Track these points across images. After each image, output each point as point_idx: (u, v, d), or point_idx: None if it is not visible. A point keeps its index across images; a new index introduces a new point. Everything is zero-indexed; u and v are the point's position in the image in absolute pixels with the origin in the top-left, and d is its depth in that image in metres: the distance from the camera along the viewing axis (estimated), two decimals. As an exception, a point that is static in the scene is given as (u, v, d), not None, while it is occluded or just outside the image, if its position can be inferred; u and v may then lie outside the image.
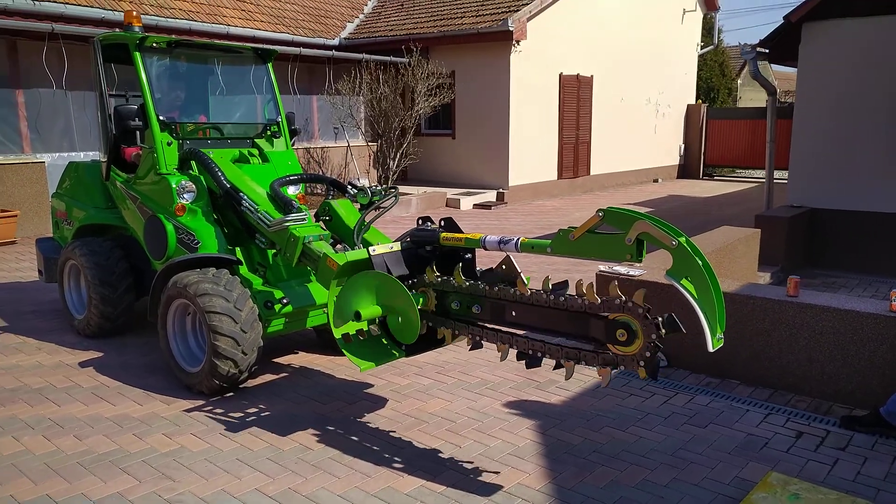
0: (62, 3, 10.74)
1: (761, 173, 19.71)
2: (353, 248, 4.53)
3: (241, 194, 4.73)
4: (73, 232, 5.88)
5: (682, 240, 2.87)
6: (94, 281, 5.30)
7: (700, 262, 2.83)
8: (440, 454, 3.74)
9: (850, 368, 4.30)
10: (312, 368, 5.02)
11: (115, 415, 4.22)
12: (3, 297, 6.87)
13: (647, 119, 18.79)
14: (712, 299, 2.81)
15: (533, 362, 3.46)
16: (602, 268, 5.24)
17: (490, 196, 14.22)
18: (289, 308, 4.66)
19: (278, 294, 4.68)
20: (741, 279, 6.27)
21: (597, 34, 16.18)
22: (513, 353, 3.52)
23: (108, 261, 5.37)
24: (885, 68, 7.87)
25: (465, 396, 4.52)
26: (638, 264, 4.56)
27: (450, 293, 3.67)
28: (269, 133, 5.63)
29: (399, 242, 3.86)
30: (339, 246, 4.80)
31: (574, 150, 16.16)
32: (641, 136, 18.59)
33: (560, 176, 15.93)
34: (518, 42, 13.93)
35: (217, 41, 5.93)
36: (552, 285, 3.28)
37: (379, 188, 4.70)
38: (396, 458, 3.68)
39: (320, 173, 13.14)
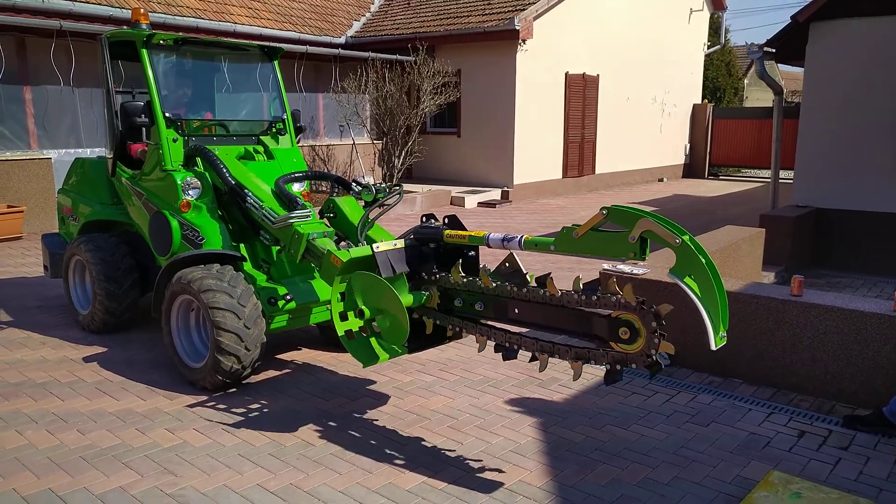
0: (70, 0, 10.77)
1: (767, 173, 19.67)
2: (356, 246, 4.54)
3: (246, 191, 4.75)
4: (78, 228, 5.91)
5: (686, 238, 2.87)
6: (99, 277, 5.32)
7: (703, 260, 2.83)
8: (442, 451, 3.74)
9: (854, 368, 4.29)
10: (315, 365, 5.03)
11: (118, 410, 4.24)
12: (8, 293, 6.91)
13: (653, 118, 18.75)
14: (715, 298, 2.81)
15: (509, 354, 3.53)
16: (605, 266, 5.24)
17: (495, 194, 14.22)
18: (292, 304, 4.67)
19: (282, 290, 4.69)
20: (745, 278, 6.26)
21: (603, 33, 16.16)
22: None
23: (113, 257, 5.39)
24: (893, 68, 7.84)
25: (467, 394, 4.52)
26: (641, 262, 4.56)
27: (453, 290, 3.67)
28: (274, 130, 5.65)
29: (403, 240, 3.87)
30: (343, 243, 4.81)
31: (579, 149, 16.14)
32: (647, 135, 18.55)
33: (565, 175, 15.91)
34: (524, 41, 13.92)
35: (224, 39, 5.94)
36: (583, 285, 3.19)
37: (383, 186, 4.71)
38: (398, 455, 3.69)
39: (325, 171, 13.16)
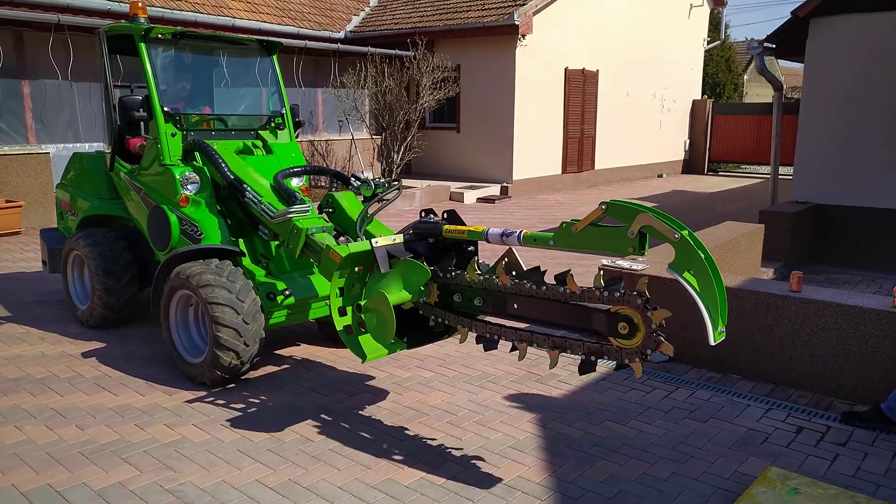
0: (68, -7, 10.75)
1: (766, 169, 19.68)
2: (355, 241, 4.53)
3: (245, 186, 4.74)
4: (77, 222, 5.90)
5: (685, 233, 2.87)
6: (97, 271, 5.31)
7: (702, 255, 2.83)
8: (441, 446, 3.74)
9: (852, 364, 4.29)
10: (314, 360, 5.03)
11: (117, 405, 4.24)
12: (6, 288, 6.90)
13: (653, 114, 18.74)
14: (714, 293, 2.81)
15: (490, 345, 3.59)
16: (605, 261, 5.24)
17: (494, 190, 14.21)
18: (291, 300, 4.67)
19: (281, 286, 4.68)
20: (744, 274, 6.25)
21: (603, 29, 16.13)
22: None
23: (111, 251, 5.38)
24: (893, 64, 7.83)
25: (466, 389, 4.52)
26: (640, 258, 4.56)
27: (452, 286, 3.67)
28: (273, 125, 5.64)
29: (402, 235, 3.86)
30: (341, 238, 4.80)
31: (579, 145, 16.13)
32: (646, 131, 18.54)
33: (564, 170, 15.90)
34: (524, 36, 13.89)
35: (222, 33, 5.93)
36: (605, 281, 3.11)
37: (382, 181, 4.70)
38: (397, 450, 3.69)
39: (324, 166, 13.15)
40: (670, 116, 19.50)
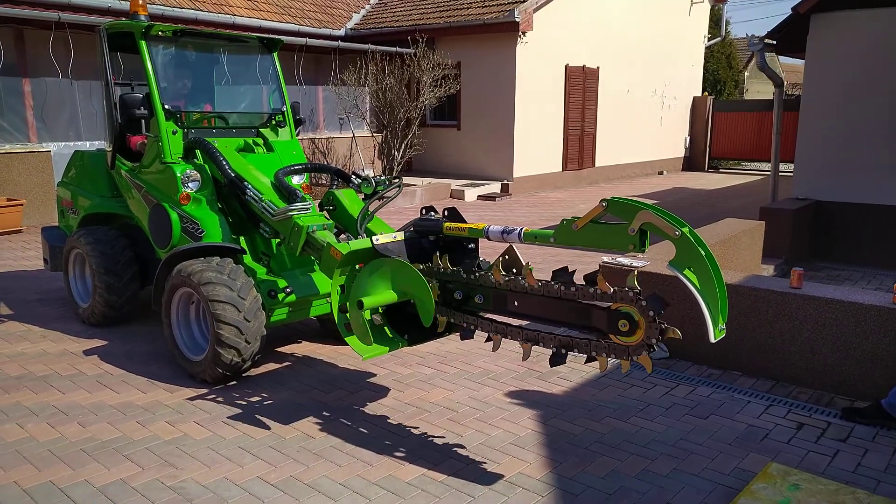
0: (68, -9, 10.74)
1: (767, 166, 19.65)
2: (356, 238, 4.53)
3: (246, 183, 4.74)
4: (78, 220, 5.91)
5: (686, 230, 2.87)
6: (98, 269, 5.32)
7: (703, 252, 2.83)
8: (442, 443, 3.75)
9: (853, 360, 4.30)
10: (315, 357, 5.04)
11: (118, 402, 4.25)
12: (8, 286, 6.91)
13: (653, 111, 18.72)
14: (715, 290, 2.81)
15: (466, 334, 3.68)
16: (605, 258, 5.24)
17: (495, 187, 14.21)
18: (292, 297, 4.67)
19: (282, 283, 4.69)
20: (745, 271, 6.26)
21: (603, 25, 16.11)
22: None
23: (112, 249, 5.39)
24: (893, 61, 7.82)
25: (466, 386, 4.53)
26: (641, 255, 4.56)
27: (453, 283, 3.67)
28: (273, 123, 5.64)
29: (402, 232, 3.87)
30: (342, 236, 4.81)
31: (579, 142, 16.12)
32: (647, 128, 18.52)
33: (565, 168, 15.89)
34: (524, 33, 13.88)
35: (223, 30, 5.92)
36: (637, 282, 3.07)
37: (383, 178, 4.70)
38: (398, 447, 3.70)
39: (325, 163, 13.15)
40: (671, 113, 19.48)
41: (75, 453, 3.62)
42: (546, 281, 3.28)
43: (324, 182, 12.53)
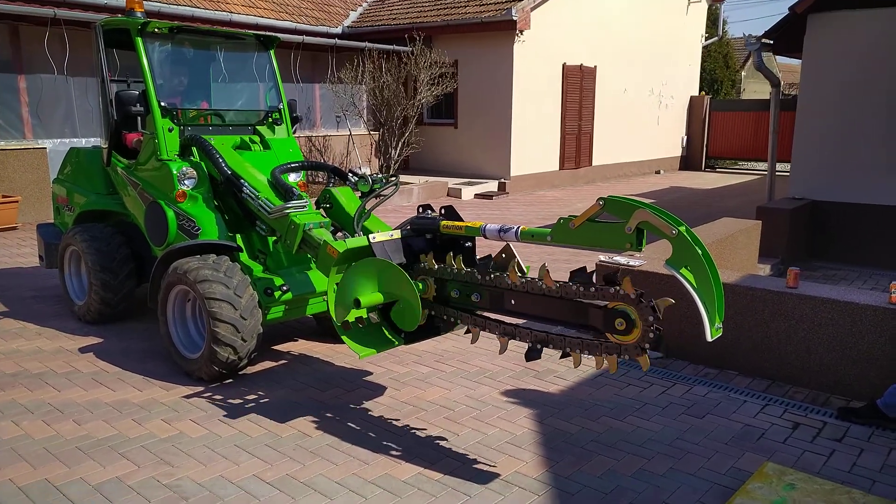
0: (64, -12, 10.71)
1: (763, 165, 19.66)
2: (353, 236, 4.53)
3: (242, 181, 4.73)
4: (73, 218, 5.89)
5: (682, 229, 2.87)
6: (94, 267, 5.31)
7: (700, 251, 2.83)
8: (438, 442, 3.75)
9: (849, 360, 4.30)
10: (312, 356, 5.03)
11: (114, 400, 4.23)
12: (3, 283, 6.89)
13: (650, 110, 18.73)
14: (711, 289, 2.81)
15: (445, 328, 3.80)
16: (602, 257, 5.24)
17: (492, 186, 14.21)
18: (288, 295, 4.67)
19: (278, 281, 4.68)
20: (741, 270, 6.27)
21: (601, 24, 16.11)
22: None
23: (108, 247, 5.37)
24: (890, 61, 7.84)
25: (463, 385, 4.53)
26: (638, 254, 4.56)
27: (449, 281, 3.67)
28: (270, 120, 5.63)
29: (399, 230, 3.86)
30: (339, 234, 4.80)
31: (576, 141, 16.12)
32: (644, 127, 18.53)
33: (562, 166, 15.90)
34: (521, 32, 13.87)
35: (219, 28, 5.91)
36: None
37: (380, 176, 4.70)
38: (394, 446, 3.70)
39: (322, 161, 13.13)
40: (668, 113, 19.50)
41: (71, 451, 3.60)
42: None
43: (320, 180, 12.51)
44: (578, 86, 15.77)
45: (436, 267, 3.67)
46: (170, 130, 5.01)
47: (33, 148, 10.22)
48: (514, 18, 13.39)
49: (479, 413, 4.11)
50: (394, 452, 3.63)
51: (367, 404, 4.22)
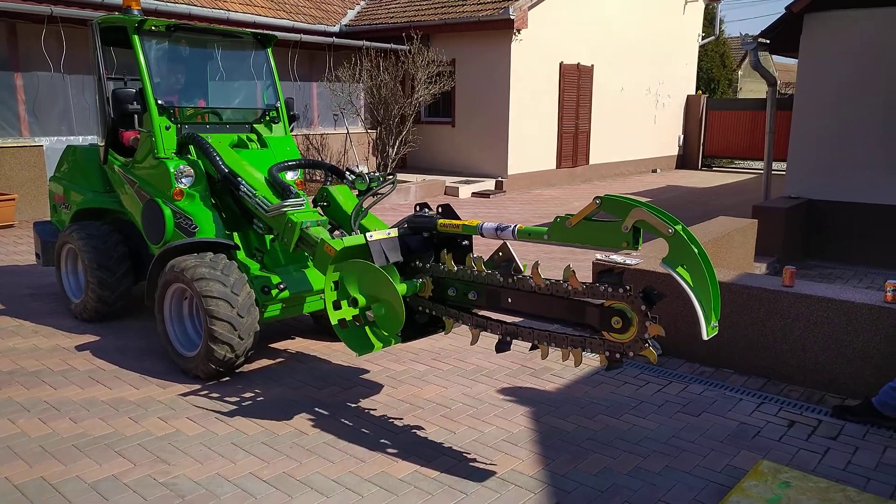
0: (61, -15, 10.68)
1: (760, 164, 19.69)
2: (350, 235, 4.53)
3: (240, 179, 4.73)
4: (70, 216, 5.88)
5: (679, 228, 2.88)
6: (91, 265, 5.30)
7: (696, 250, 2.84)
8: (435, 440, 3.76)
9: (844, 358, 4.32)
10: (308, 354, 5.03)
11: (110, 398, 4.23)
12: (0, 281, 6.87)
13: (647, 109, 18.75)
14: (707, 287, 2.82)
15: (422, 318, 3.80)
16: (598, 256, 5.25)
17: (489, 184, 14.21)
18: (286, 293, 4.67)
19: (275, 279, 4.68)
20: (737, 269, 6.28)
21: (598, 23, 16.12)
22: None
23: (105, 245, 5.37)
24: (886, 60, 7.85)
25: (460, 383, 4.54)
26: (634, 252, 4.57)
27: (447, 280, 3.68)
28: (267, 118, 5.63)
29: (396, 229, 3.86)
30: (336, 232, 4.80)
31: (573, 140, 16.13)
32: (641, 126, 18.55)
33: (559, 165, 15.91)
34: (519, 31, 13.87)
35: (217, 26, 5.90)
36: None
37: (377, 175, 4.70)
38: (391, 444, 3.70)
39: (319, 160, 13.12)
40: (665, 111, 19.52)
41: (67, 449, 3.60)
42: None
43: (318, 178, 12.50)
44: (575, 85, 15.78)
45: (455, 269, 3.61)
46: (167, 128, 5.01)
47: (30, 146, 10.20)
48: (512, 17, 13.40)
49: (476, 411, 4.12)
50: (390, 450, 3.63)
51: (363, 402, 4.23)
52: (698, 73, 22.09)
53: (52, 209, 6.30)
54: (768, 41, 9.30)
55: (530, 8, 13.92)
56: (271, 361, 4.87)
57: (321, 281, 4.80)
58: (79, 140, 10.59)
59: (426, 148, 15.24)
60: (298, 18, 14.61)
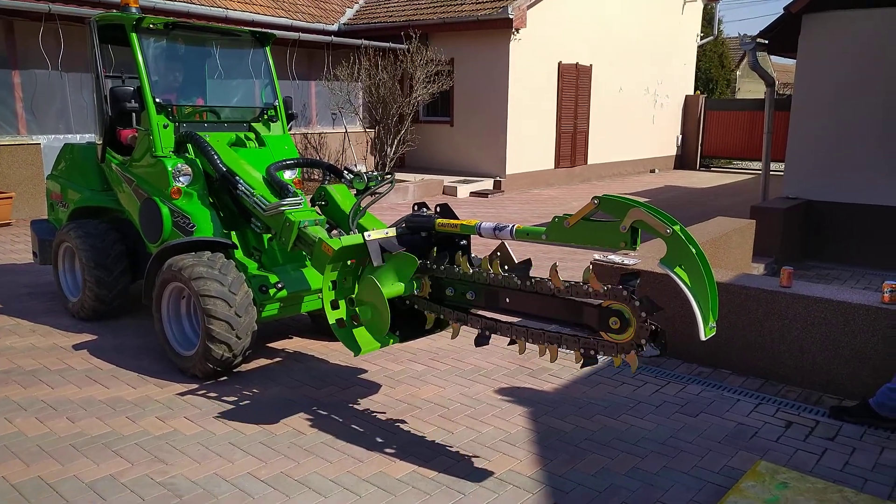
0: (58, -17, 10.66)
1: (758, 165, 19.72)
2: (348, 234, 4.52)
3: (238, 178, 4.73)
4: (68, 214, 5.87)
5: (677, 228, 2.87)
6: (88, 263, 5.29)
7: (694, 250, 2.83)
8: (433, 440, 3.75)
9: (841, 359, 4.32)
10: (306, 353, 5.03)
11: (108, 397, 4.23)
12: (-3, 279, 6.87)
13: (646, 109, 18.76)
14: (705, 288, 2.82)
15: (402, 310, 3.74)
16: (597, 256, 5.25)
17: (487, 184, 14.21)
18: (283, 293, 4.66)
19: (273, 278, 4.67)
20: (735, 269, 6.29)
21: (597, 23, 16.12)
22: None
23: (103, 243, 5.36)
24: (885, 61, 7.86)
25: (458, 383, 4.53)
26: (632, 252, 4.58)
27: (444, 279, 3.67)
28: (266, 117, 5.62)
29: (394, 228, 3.86)
30: (334, 231, 4.79)
31: (572, 140, 16.13)
32: (639, 126, 18.56)
33: (557, 165, 15.91)
34: (517, 30, 13.87)
35: (215, 24, 5.89)
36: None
37: (375, 174, 4.69)
38: (389, 444, 3.70)
39: (317, 159, 13.10)
40: (663, 112, 19.53)
41: (64, 448, 3.60)
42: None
43: (316, 177, 12.49)
44: (574, 84, 15.78)
45: (471, 271, 3.56)
46: (165, 127, 5.00)
47: (27, 144, 10.18)
48: (511, 17, 13.39)
49: (474, 411, 4.12)
50: (388, 450, 3.63)
51: (361, 402, 4.23)
52: (697, 73, 22.12)
53: (49, 207, 6.29)
54: (767, 41, 9.30)
55: (529, 7, 13.92)
56: (269, 361, 4.86)
57: (319, 280, 4.79)
58: (76, 138, 10.57)
59: (424, 147, 15.23)
60: (297, 17, 14.60)
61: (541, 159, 15.46)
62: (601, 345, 3.09)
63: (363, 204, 4.69)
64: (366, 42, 13.98)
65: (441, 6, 15.01)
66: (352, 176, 4.77)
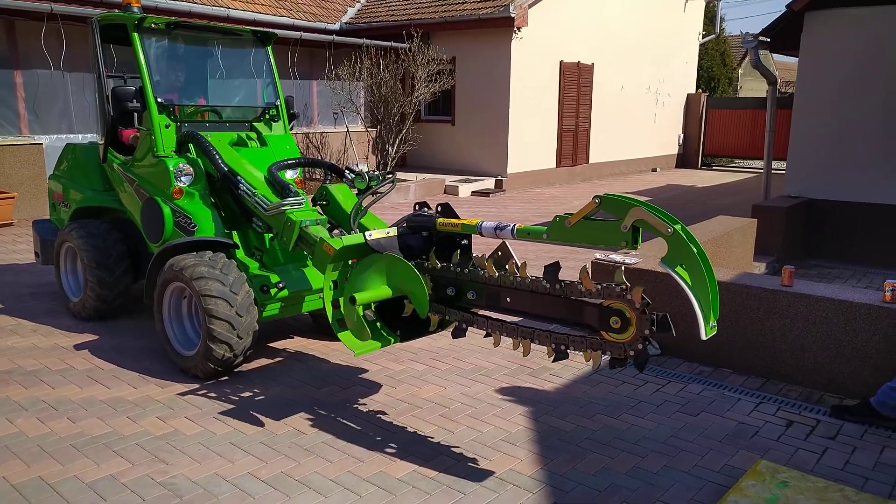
0: (60, -17, 10.67)
1: (760, 164, 19.68)
2: (349, 233, 4.53)
3: (239, 178, 4.73)
4: (69, 214, 5.87)
5: (678, 227, 2.87)
6: (90, 263, 5.29)
7: (695, 249, 2.83)
8: (433, 440, 3.76)
9: (842, 358, 4.32)
10: (307, 353, 5.03)
11: (109, 397, 4.23)
12: (-1, 279, 6.88)
13: (647, 108, 18.74)
14: (706, 287, 2.82)
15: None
16: (598, 255, 5.25)
17: (488, 183, 14.21)
18: (285, 292, 4.66)
19: (274, 278, 4.68)
20: (736, 268, 6.28)
21: (598, 22, 16.11)
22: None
23: (104, 243, 5.36)
24: (887, 59, 7.84)
25: (458, 382, 4.53)
26: (634, 252, 4.58)
27: (445, 279, 3.67)
28: (267, 117, 5.62)
29: (396, 228, 3.86)
30: (335, 231, 4.79)
31: (573, 138, 16.12)
32: (641, 124, 18.54)
33: (559, 164, 15.90)
34: (519, 29, 13.86)
35: (216, 23, 5.89)
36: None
37: (377, 173, 4.69)
38: (389, 443, 3.70)
39: (319, 158, 13.10)
40: (665, 110, 19.51)
41: (65, 448, 3.60)
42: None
43: (317, 177, 12.50)
44: (576, 83, 15.77)
45: (485, 274, 3.51)
46: (166, 127, 5.00)
47: (29, 144, 10.19)
48: (512, 15, 13.39)
49: (475, 411, 4.12)
50: (389, 450, 3.63)
51: (362, 402, 4.23)
52: (698, 71, 22.08)
53: (51, 207, 6.30)
54: (769, 39, 9.28)
55: (531, 6, 13.91)
56: (270, 361, 4.86)
57: (320, 280, 4.79)
58: (78, 138, 10.58)
59: (426, 146, 15.23)
60: (298, 16, 14.60)
61: (542, 158, 15.45)
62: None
63: (364, 203, 4.69)
64: (367, 41, 13.98)
65: (442, 5, 15.00)
66: (353, 175, 4.77)
